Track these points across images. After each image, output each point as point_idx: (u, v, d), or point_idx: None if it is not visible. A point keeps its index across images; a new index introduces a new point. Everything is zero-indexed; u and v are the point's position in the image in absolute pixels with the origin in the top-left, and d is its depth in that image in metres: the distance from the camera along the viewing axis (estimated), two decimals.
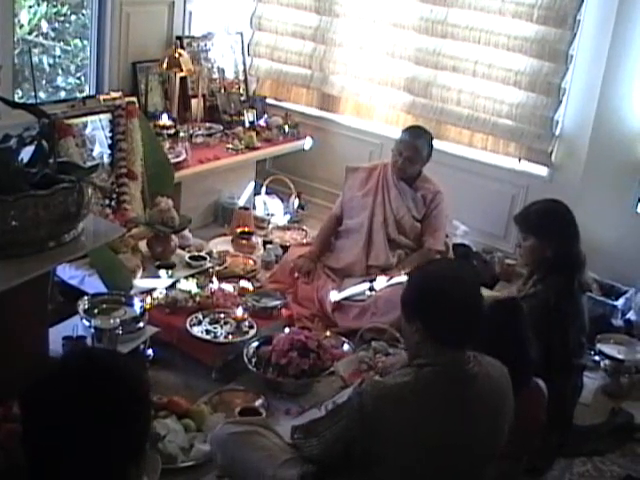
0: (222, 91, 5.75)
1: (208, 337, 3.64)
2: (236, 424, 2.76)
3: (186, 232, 4.51)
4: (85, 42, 5.23)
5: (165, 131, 5.02)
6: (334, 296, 4.14)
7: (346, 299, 4.13)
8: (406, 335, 2.39)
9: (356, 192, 4.44)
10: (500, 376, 2.33)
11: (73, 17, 5.32)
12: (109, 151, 4.39)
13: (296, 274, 4.31)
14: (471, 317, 2.25)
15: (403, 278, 4.12)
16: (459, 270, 2.43)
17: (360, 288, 4.17)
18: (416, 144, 4.25)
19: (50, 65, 5.32)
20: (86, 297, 3.57)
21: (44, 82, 5.27)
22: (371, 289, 4.14)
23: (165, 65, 5.16)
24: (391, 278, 4.13)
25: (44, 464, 1.51)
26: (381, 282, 4.14)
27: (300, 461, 2.43)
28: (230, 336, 3.68)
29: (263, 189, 5.49)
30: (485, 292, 4.35)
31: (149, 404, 1.62)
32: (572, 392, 3.41)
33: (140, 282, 3.93)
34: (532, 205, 3.50)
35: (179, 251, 4.31)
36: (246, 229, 4.95)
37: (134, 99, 4.98)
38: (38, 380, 1.55)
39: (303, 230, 5.20)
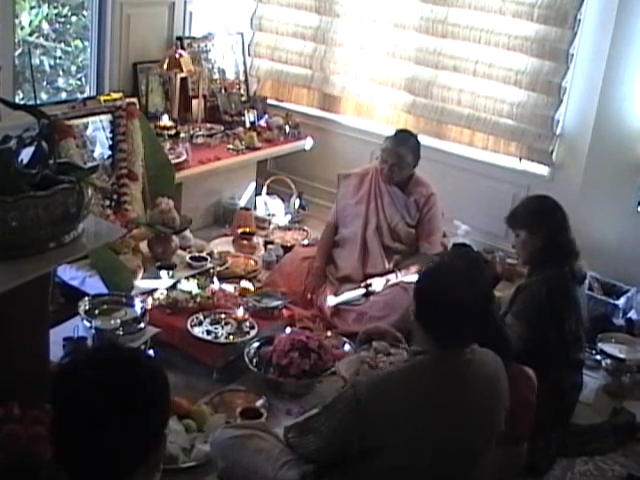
0: (223, 92, 5.75)
1: (209, 338, 3.63)
2: (235, 428, 2.78)
3: (187, 233, 4.51)
4: (86, 43, 5.22)
5: (166, 132, 5.02)
6: (331, 301, 4.15)
7: (343, 304, 4.13)
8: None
9: (349, 200, 4.39)
10: (494, 361, 2.35)
11: (74, 18, 5.31)
12: (110, 152, 4.39)
13: (309, 295, 4.26)
14: (469, 320, 2.20)
15: (399, 280, 4.13)
16: (467, 271, 2.30)
17: (356, 293, 4.16)
18: (398, 151, 4.17)
19: (51, 66, 5.32)
20: (87, 298, 3.58)
21: (45, 83, 5.27)
22: (366, 294, 4.13)
23: (165, 66, 5.15)
24: (388, 281, 4.14)
25: (71, 447, 1.56)
26: (378, 284, 4.14)
27: (300, 462, 2.44)
28: (231, 336, 3.68)
29: (264, 189, 5.49)
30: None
31: (168, 392, 1.71)
32: (571, 389, 3.41)
33: (141, 283, 3.93)
34: (518, 204, 3.65)
35: (180, 252, 4.31)
36: (247, 229, 4.96)
37: (135, 100, 4.98)
38: (68, 368, 1.64)
39: (304, 230, 5.20)
